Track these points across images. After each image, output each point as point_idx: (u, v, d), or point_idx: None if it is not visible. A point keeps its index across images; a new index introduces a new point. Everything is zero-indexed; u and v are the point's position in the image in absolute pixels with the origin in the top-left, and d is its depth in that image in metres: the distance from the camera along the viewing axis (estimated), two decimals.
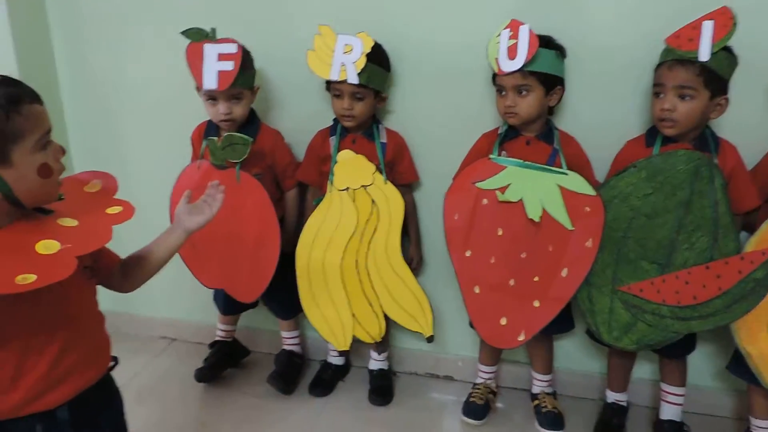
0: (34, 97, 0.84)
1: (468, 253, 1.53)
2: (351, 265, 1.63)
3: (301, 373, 1.89)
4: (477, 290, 1.53)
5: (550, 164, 1.47)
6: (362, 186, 1.59)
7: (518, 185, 1.47)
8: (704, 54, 1.30)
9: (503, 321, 1.52)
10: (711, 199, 1.36)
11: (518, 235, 1.48)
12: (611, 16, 1.51)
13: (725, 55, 1.32)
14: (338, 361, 1.89)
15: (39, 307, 0.83)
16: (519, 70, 1.41)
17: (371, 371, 1.85)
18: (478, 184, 1.50)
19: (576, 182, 1.44)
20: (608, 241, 1.44)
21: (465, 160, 1.59)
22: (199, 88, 1.61)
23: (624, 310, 1.45)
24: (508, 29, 1.41)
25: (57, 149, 0.87)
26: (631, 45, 1.49)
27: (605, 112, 1.56)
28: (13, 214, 0.85)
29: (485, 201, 1.50)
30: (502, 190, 1.48)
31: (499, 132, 1.55)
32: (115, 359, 1.05)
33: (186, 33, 1.55)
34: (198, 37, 1.55)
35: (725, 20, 1.30)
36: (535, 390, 1.72)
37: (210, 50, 1.54)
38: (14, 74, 0.86)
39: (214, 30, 1.57)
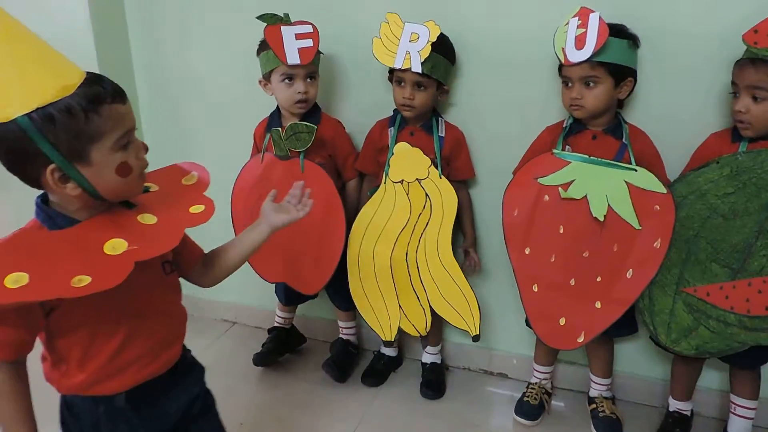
0: (117, 97, 0.84)
1: (527, 251, 1.49)
2: (401, 257, 1.62)
3: (356, 363, 1.91)
4: (536, 289, 1.49)
5: (617, 160, 1.41)
6: (417, 179, 1.58)
7: (583, 181, 1.42)
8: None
9: (562, 321, 1.47)
10: None
11: (581, 234, 1.43)
12: (691, 4, 1.41)
13: None
14: (391, 352, 1.90)
15: (106, 300, 0.84)
16: (587, 61, 1.35)
17: (424, 364, 1.84)
18: (540, 180, 1.45)
19: (645, 179, 1.37)
20: (678, 239, 1.37)
21: (526, 154, 1.55)
22: (263, 81, 1.66)
23: (686, 313, 1.38)
24: (577, 17, 1.35)
25: (139, 147, 0.88)
26: (711, 35, 1.39)
27: (680, 106, 1.47)
28: (96, 207, 0.88)
29: (547, 197, 1.46)
30: (566, 186, 1.43)
31: (564, 125, 1.49)
32: (186, 350, 1.08)
33: (262, 18, 1.57)
34: (273, 20, 1.58)
35: None
36: (593, 393, 1.66)
37: (287, 31, 1.57)
38: (93, 68, 0.90)
39: (287, 15, 1.59)
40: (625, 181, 1.39)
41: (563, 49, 1.38)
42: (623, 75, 1.39)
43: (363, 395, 1.79)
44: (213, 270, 1.09)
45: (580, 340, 1.46)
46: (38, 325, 0.87)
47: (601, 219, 1.39)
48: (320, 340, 2.04)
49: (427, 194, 1.59)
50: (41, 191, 0.89)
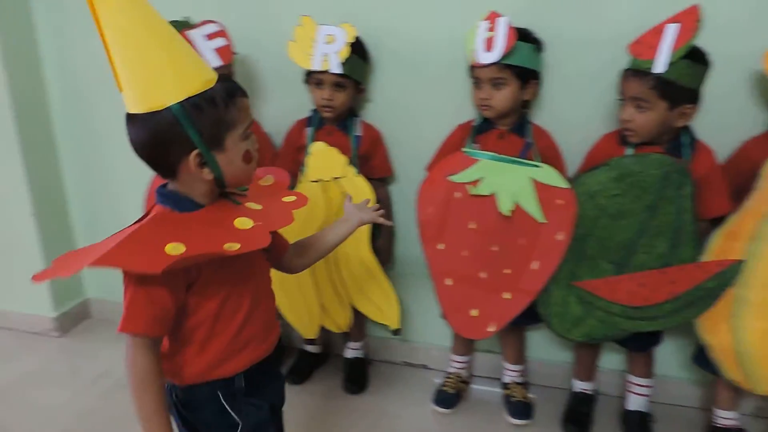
0: (244, 92, 0.92)
1: (440, 246, 1.55)
2: None
3: (280, 360, 1.91)
4: (449, 282, 1.55)
5: (522, 157, 1.48)
6: (334, 178, 1.60)
7: (491, 178, 1.49)
8: (659, 65, 1.29)
9: (474, 312, 1.54)
10: (677, 206, 1.37)
11: (490, 229, 1.50)
12: (591, 13, 1.50)
13: (688, 63, 1.30)
14: (315, 349, 1.92)
15: (235, 275, 0.94)
16: (495, 63, 1.41)
17: (347, 360, 1.87)
18: (451, 178, 1.51)
19: (549, 175, 1.46)
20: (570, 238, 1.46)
21: (439, 152, 1.61)
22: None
23: (578, 305, 1.48)
24: (487, 21, 1.41)
25: (255, 139, 0.95)
26: (608, 42, 1.47)
27: (579, 109, 1.57)
28: (215, 196, 0.94)
29: (458, 194, 1.51)
30: (475, 183, 1.50)
31: (473, 124, 1.56)
32: (280, 338, 1.14)
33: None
34: (179, 27, 1.55)
35: (691, 22, 1.28)
36: (506, 380, 1.75)
37: (195, 34, 1.55)
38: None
39: (187, 18, 1.57)
40: (531, 177, 1.46)
41: (473, 50, 1.44)
42: (529, 77, 1.47)
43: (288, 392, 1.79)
44: (303, 258, 1.18)
45: (491, 329, 1.53)
46: (181, 300, 0.91)
47: (508, 214, 1.46)
48: None
49: (344, 192, 1.61)
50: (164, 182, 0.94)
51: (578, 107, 1.57)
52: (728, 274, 1.34)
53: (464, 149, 1.52)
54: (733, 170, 1.44)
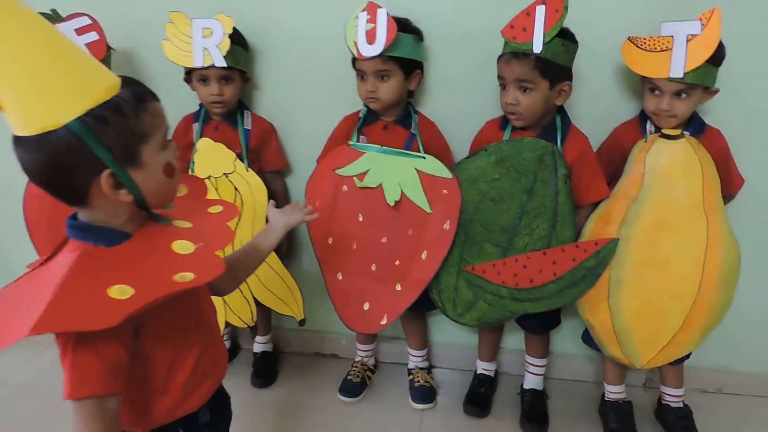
0: (154, 95, 0.80)
1: (330, 241, 1.55)
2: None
3: None
4: (340, 277, 1.56)
5: (407, 148, 1.49)
6: (224, 174, 1.58)
7: (377, 170, 1.49)
8: (537, 46, 1.31)
9: (366, 306, 1.55)
10: (552, 188, 1.40)
11: (379, 221, 1.51)
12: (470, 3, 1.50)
13: (560, 41, 1.33)
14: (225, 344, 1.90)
15: (186, 306, 0.84)
16: (379, 56, 1.40)
17: (254, 354, 1.87)
18: (338, 171, 1.51)
19: (433, 165, 1.46)
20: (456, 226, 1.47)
21: (327, 144, 1.60)
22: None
23: (468, 289, 1.50)
24: (365, 12, 1.39)
25: (174, 147, 0.84)
26: (488, 32, 1.45)
27: (465, 97, 1.57)
28: (139, 220, 0.83)
29: (345, 187, 1.51)
30: (362, 176, 1.49)
31: (360, 116, 1.55)
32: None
33: None
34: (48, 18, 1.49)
35: (556, 4, 1.30)
36: (410, 365, 1.78)
37: (64, 28, 1.49)
38: None
39: (54, 10, 1.50)
40: (416, 169, 1.47)
41: (355, 42, 1.42)
42: (412, 68, 1.47)
43: None
44: (233, 280, 1.06)
45: (383, 322, 1.53)
46: (131, 345, 0.80)
47: (392, 204, 1.47)
48: None
49: (236, 188, 1.60)
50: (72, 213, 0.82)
51: (463, 95, 1.58)
52: (606, 252, 1.38)
53: (350, 142, 1.52)
54: (606, 157, 1.48)
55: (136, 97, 0.77)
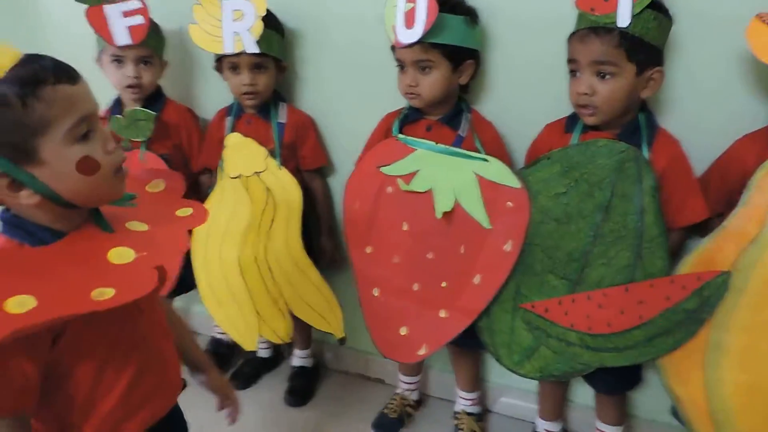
0: (62, 76, 0.68)
1: (368, 250, 1.33)
2: (250, 260, 1.47)
3: (228, 363, 1.80)
4: (376, 293, 1.33)
5: None
6: (255, 172, 1.42)
7: (428, 172, 1.25)
8: (624, 18, 1.02)
9: (403, 331, 1.31)
10: (637, 205, 1.09)
11: (426, 232, 1.27)
12: None
13: (653, 14, 1.03)
14: (264, 353, 1.78)
15: (116, 321, 0.74)
16: (418, 42, 1.16)
17: (292, 368, 1.72)
18: (383, 169, 1.28)
19: (498, 171, 1.20)
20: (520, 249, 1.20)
21: (367, 144, 1.39)
22: (98, 60, 1.51)
23: (526, 332, 1.21)
24: None
25: (106, 137, 0.73)
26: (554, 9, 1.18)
27: (536, 94, 1.28)
28: (74, 217, 0.75)
29: (390, 189, 1.29)
30: (408, 177, 1.26)
31: (402, 113, 1.32)
32: (184, 381, 0.94)
33: None
34: (94, 1, 1.44)
35: None
36: (457, 408, 1.52)
37: (112, 9, 1.42)
38: None
39: None
40: (476, 173, 1.21)
41: (393, 27, 1.19)
42: (462, 57, 1.21)
43: None
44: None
45: (421, 352, 1.29)
46: (44, 360, 0.70)
47: (439, 215, 1.22)
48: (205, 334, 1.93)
49: (268, 188, 1.44)
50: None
51: (532, 91, 1.28)
52: (712, 291, 1.03)
53: (399, 136, 1.28)
54: (718, 180, 1.13)
55: (26, 80, 0.65)
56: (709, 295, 1.03)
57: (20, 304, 0.62)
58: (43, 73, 0.66)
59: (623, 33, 1.03)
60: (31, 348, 0.67)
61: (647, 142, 1.11)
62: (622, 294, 1.11)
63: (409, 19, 1.16)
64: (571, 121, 1.18)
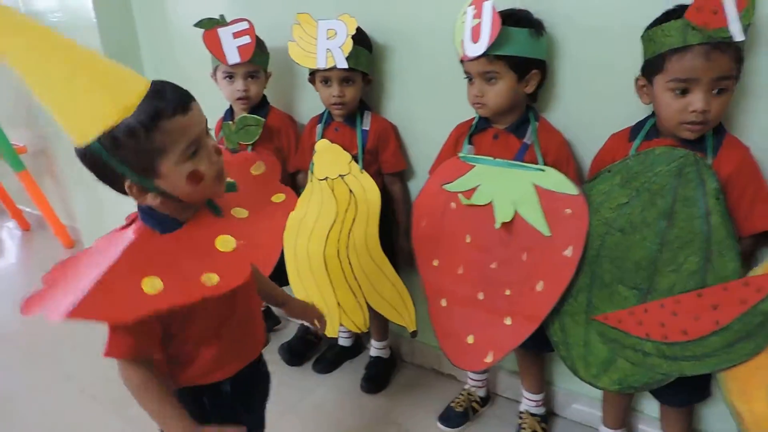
0: (178, 108, 0.82)
1: (435, 263, 1.42)
2: (333, 254, 1.62)
3: (314, 350, 1.97)
4: (444, 303, 1.41)
5: (518, 160, 1.29)
6: (339, 175, 1.56)
7: (488, 186, 1.32)
8: (737, 31, 1.00)
9: (470, 339, 1.37)
10: (701, 208, 1.08)
11: (488, 243, 1.33)
12: None
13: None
14: (346, 342, 1.92)
15: (215, 300, 0.87)
16: (483, 55, 1.23)
17: (370, 357, 1.85)
18: (446, 186, 1.37)
19: (554, 180, 1.24)
20: (581, 261, 1.22)
21: (440, 154, 1.47)
22: (213, 76, 1.73)
23: (602, 344, 1.22)
24: (473, 6, 1.23)
25: (210, 151, 0.88)
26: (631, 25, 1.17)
27: (599, 101, 1.29)
28: (188, 209, 0.91)
29: (453, 205, 1.37)
30: (470, 192, 1.33)
31: (472, 123, 1.39)
32: (268, 337, 1.20)
33: (199, 24, 1.66)
34: (210, 25, 1.65)
35: None
36: (521, 408, 1.56)
37: (224, 32, 1.64)
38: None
39: (222, 16, 1.66)
40: (534, 184, 1.26)
41: (462, 42, 1.27)
42: (527, 68, 1.25)
43: (309, 382, 1.84)
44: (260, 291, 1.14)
45: (488, 360, 1.34)
46: (166, 320, 0.90)
47: (498, 226, 1.28)
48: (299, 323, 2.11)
49: (350, 190, 1.58)
50: None
51: (595, 99, 1.30)
52: None
53: (460, 154, 1.37)
54: None
55: (150, 115, 0.80)
56: None
57: (152, 285, 0.78)
58: (162, 108, 0.81)
59: (738, 47, 1.02)
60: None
61: (713, 149, 1.09)
62: (695, 300, 1.10)
63: (475, 34, 1.23)
64: (636, 129, 1.18)
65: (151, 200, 0.87)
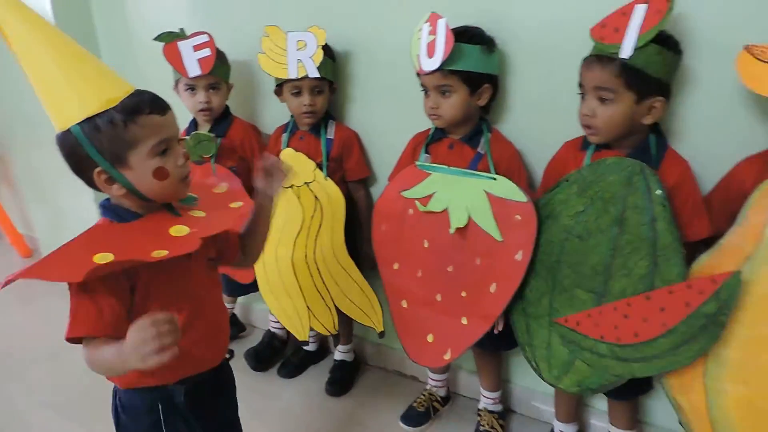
0: (155, 108, 0.92)
1: (396, 266, 1.48)
2: (301, 259, 1.66)
3: (280, 355, 2.00)
4: (404, 305, 1.48)
5: (472, 169, 1.36)
6: (305, 183, 1.61)
7: (443, 193, 1.39)
8: (626, 49, 1.10)
9: (430, 338, 1.44)
10: (648, 215, 1.14)
11: (444, 248, 1.40)
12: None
13: (657, 49, 1.09)
14: (311, 347, 1.96)
15: (171, 282, 0.97)
16: (438, 70, 1.30)
17: (335, 361, 1.89)
18: (404, 193, 1.43)
19: (505, 188, 1.31)
20: (542, 267, 1.28)
21: (398, 163, 1.54)
22: (175, 88, 1.75)
23: (562, 346, 1.27)
24: (428, 23, 1.30)
25: (178, 154, 0.96)
26: (570, 34, 1.26)
27: (552, 115, 1.37)
28: (149, 207, 0.97)
29: (411, 211, 1.43)
30: (426, 199, 1.40)
31: (429, 133, 1.46)
32: (231, 352, 1.18)
33: (159, 38, 1.67)
34: (169, 38, 1.67)
35: (660, 4, 1.07)
36: (480, 405, 1.63)
37: (184, 45, 1.66)
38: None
39: (182, 30, 1.69)
40: (485, 191, 1.33)
41: (418, 56, 1.33)
42: (480, 82, 1.33)
43: (275, 387, 1.87)
44: (249, 252, 1.17)
45: (447, 357, 1.42)
46: (127, 301, 0.93)
47: (453, 231, 1.35)
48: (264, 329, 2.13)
49: (316, 197, 1.62)
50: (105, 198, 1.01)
51: (548, 112, 1.38)
52: (727, 292, 1.05)
53: (417, 162, 1.43)
54: (721, 201, 1.18)
55: (130, 109, 0.90)
56: (726, 297, 1.05)
57: (103, 257, 0.85)
58: (142, 105, 0.91)
59: (624, 63, 1.10)
60: (116, 290, 0.91)
61: (656, 161, 1.18)
62: (644, 302, 1.15)
63: (431, 49, 1.30)
64: (587, 139, 1.26)
65: (117, 191, 0.93)
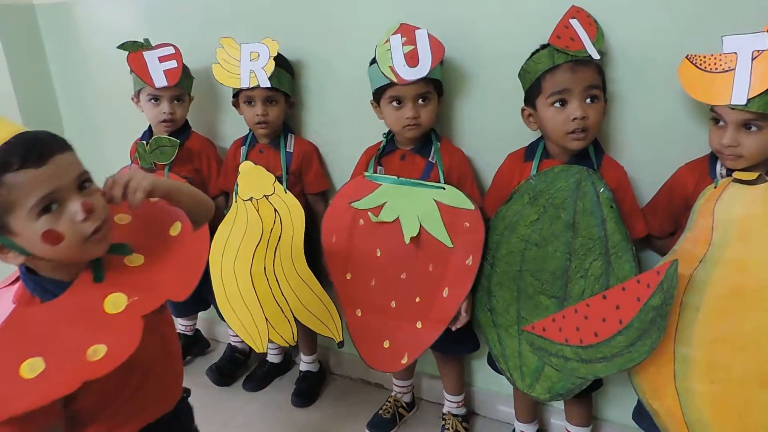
0: (27, 161, 0.75)
1: (348, 276, 1.50)
2: (260, 271, 1.66)
3: (243, 368, 1.99)
4: (359, 313, 1.50)
5: (424, 178, 1.39)
6: (264, 196, 1.62)
7: (394, 203, 1.42)
8: (595, 52, 1.18)
9: (386, 344, 1.47)
10: (597, 217, 1.20)
11: (397, 256, 1.42)
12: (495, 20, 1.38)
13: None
14: (275, 359, 1.96)
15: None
16: (422, 78, 1.31)
17: (300, 372, 1.89)
18: (353, 204, 1.46)
19: (453, 196, 1.35)
20: (506, 277, 1.32)
21: (351, 177, 1.55)
22: (134, 98, 1.74)
23: (532, 353, 1.30)
24: (399, 34, 1.33)
25: (74, 211, 0.79)
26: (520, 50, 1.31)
27: (497, 121, 1.43)
28: (70, 268, 0.83)
29: (362, 221, 1.46)
30: (378, 209, 1.43)
31: (380, 146, 1.49)
32: (186, 391, 1.06)
33: (122, 46, 1.66)
34: (134, 48, 1.67)
35: (584, 18, 1.18)
36: (444, 409, 1.66)
37: (150, 56, 1.66)
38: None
39: (147, 40, 1.68)
40: (435, 200, 1.37)
41: (391, 68, 1.33)
42: (441, 90, 1.39)
43: (239, 401, 1.86)
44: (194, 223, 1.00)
45: (404, 361, 1.44)
46: (59, 416, 0.82)
47: (408, 241, 1.38)
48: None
49: (275, 209, 1.63)
50: None
51: (493, 120, 1.44)
52: (668, 282, 1.09)
53: (365, 173, 1.46)
54: (665, 208, 1.25)
55: None
56: (668, 288, 1.09)
57: (32, 368, 0.72)
58: (8, 161, 0.75)
59: (597, 64, 1.20)
60: (46, 411, 0.75)
61: (596, 167, 1.23)
62: (601, 302, 1.19)
63: (411, 59, 1.31)
64: (530, 150, 1.31)
65: (13, 259, 0.80)
